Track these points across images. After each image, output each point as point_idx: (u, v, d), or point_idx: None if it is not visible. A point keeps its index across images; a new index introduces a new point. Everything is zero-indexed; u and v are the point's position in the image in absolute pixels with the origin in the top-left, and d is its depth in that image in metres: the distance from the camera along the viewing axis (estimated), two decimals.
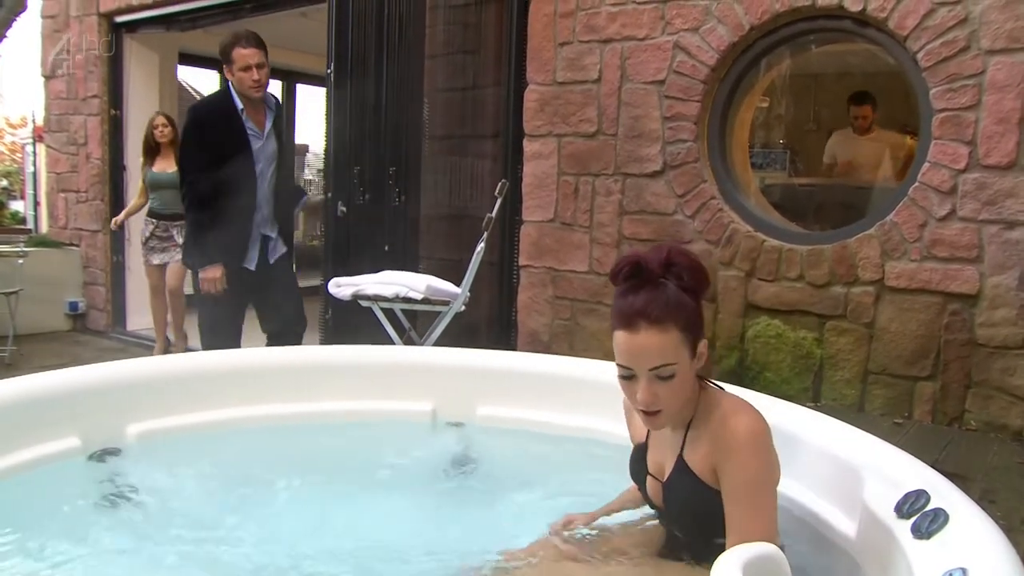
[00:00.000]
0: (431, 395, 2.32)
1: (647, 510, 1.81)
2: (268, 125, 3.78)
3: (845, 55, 6.02)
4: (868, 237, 3.33)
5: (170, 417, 2.17)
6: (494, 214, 3.40)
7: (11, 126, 23.77)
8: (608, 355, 3.90)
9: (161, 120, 5.64)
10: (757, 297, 3.58)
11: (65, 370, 2.09)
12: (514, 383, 2.30)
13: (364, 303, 3.19)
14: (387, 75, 3.49)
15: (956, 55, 3.10)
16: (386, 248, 3.56)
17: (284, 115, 4.12)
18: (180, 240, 5.22)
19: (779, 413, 1.86)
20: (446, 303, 3.25)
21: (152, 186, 5.56)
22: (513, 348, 4.23)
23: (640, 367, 1.49)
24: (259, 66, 3.62)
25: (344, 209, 3.60)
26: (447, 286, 3.30)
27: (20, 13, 10.51)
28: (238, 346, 3.68)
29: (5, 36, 10.63)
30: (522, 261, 4.18)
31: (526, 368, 2.35)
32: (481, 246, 3.46)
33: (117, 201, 6.71)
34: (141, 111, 6.77)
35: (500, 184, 3.57)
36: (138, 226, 5.95)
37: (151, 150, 5.62)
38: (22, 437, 1.92)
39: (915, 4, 3.16)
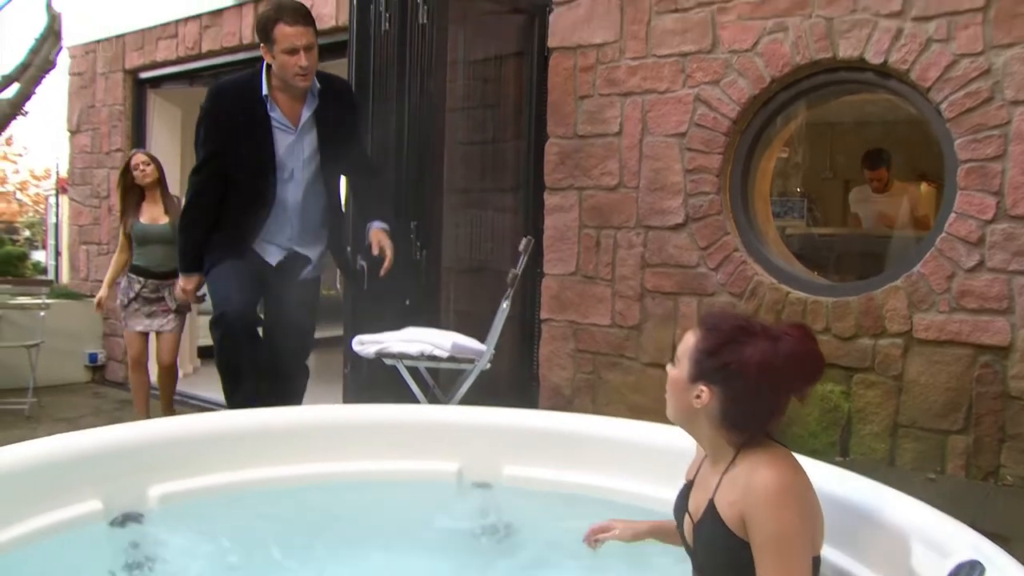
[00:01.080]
0: (457, 455, 2.27)
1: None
2: (305, 117, 3.17)
3: (862, 104, 6.04)
4: (895, 289, 3.28)
5: (193, 478, 2.13)
6: (519, 271, 3.37)
7: (35, 178, 24.16)
8: (632, 410, 3.86)
9: (141, 158, 4.90)
10: None
11: (88, 431, 2.07)
12: (542, 443, 2.26)
13: (389, 361, 3.16)
14: (408, 128, 3.50)
15: (980, 106, 3.09)
16: (407, 302, 3.54)
17: (347, 105, 3.35)
18: (173, 303, 4.70)
19: (813, 474, 1.81)
20: (471, 361, 3.20)
21: (140, 240, 4.82)
22: (535, 402, 4.19)
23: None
24: (307, 48, 3.00)
25: (364, 263, 3.58)
26: (472, 343, 3.25)
27: (48, 71, 10.76)
28: (248, 285, 3.19)
29: (33, 93, 10.88)
30: (543, 314, 4.15)
31: (554, 427, 2.30)
32: (506, 304, 3.43)
33: None
34: (163, 164, 6.84)
35: (526, 241, 3.56)
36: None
37: (130, 195, 4.90)
38: (43, 501, 1.89)
39: (937, 56, 3.16)
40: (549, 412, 2.60)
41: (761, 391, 1.53)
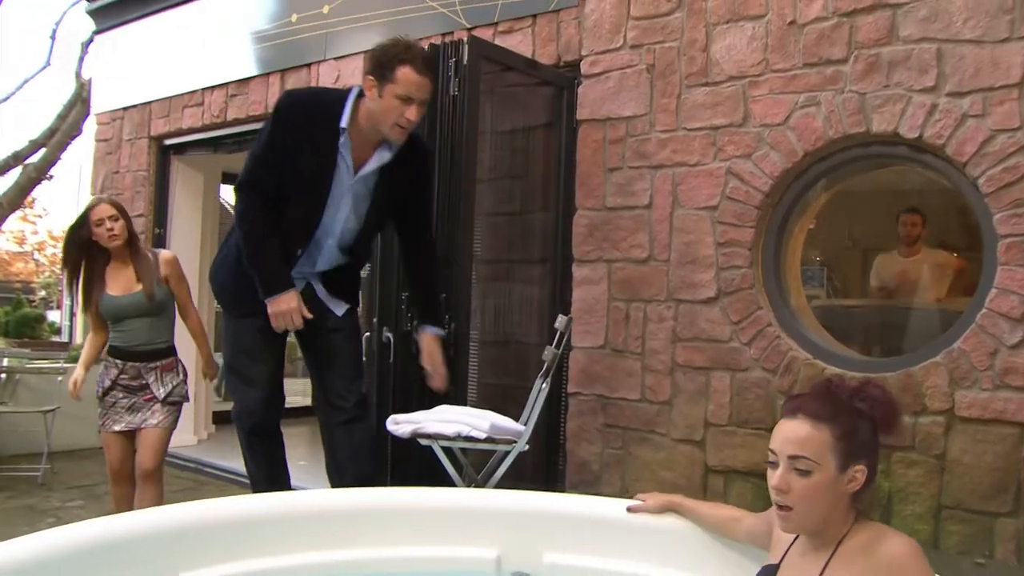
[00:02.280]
0: (495, 541, 2.19)
1: None
2: (370, 167, 2.93)
3: (880, 172, 6.04)
4: (935, 365, 3.21)
5: (216, 567, 2.05)
6: (559, 350, 3.31)
7: (52, 239, 24.41)
8: (661, 486, 3.76)
9: (107, 211, 3.59)
10: None
11: (117, 517, 2.01)
12: (585, 529, 2.18)
13: (424, 441, 3.09)
14: (438, 200, 3.48)
15: (1019, 181, 3.05)
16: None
17: (419, 170, 3.15)
18: (162, 391, 3.70)
19: None
20: (510, 442, 3.12)
21: (113, 317, 3.70)
22: (561, 477, 4.09)
23: (782, 452, 1.59)
24: (422, 104, 2.78)
25: (390, 335, 3.53)
26: (510, 424, 3.15)
27: (75, 137, 10.96)
28: (272, 385, 3.14)
29: (59, 158, 11.06)
30: (571, 388, 4.08)
31: (598, 513, 2.22)
32: (545, 384, 3.37)
33: None
34: (184, 229, 6.89)
35: (565, 320, 3.51)
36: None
37: (95, 260, 3.70)
38: None
39: (973, 131, 3.14)
40: (593, 497, 2.51)
41: (878, 443, 1.61)
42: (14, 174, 11.62)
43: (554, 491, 3.97)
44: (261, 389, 3.13)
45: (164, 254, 3.85)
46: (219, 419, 7.57)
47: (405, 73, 2.71)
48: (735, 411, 3.64)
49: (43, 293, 23.74)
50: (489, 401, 4.17)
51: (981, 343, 3.11)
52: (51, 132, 10.85)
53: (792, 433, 1.59)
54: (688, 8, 3.80)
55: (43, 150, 11.08)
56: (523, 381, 4.33)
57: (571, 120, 4.14)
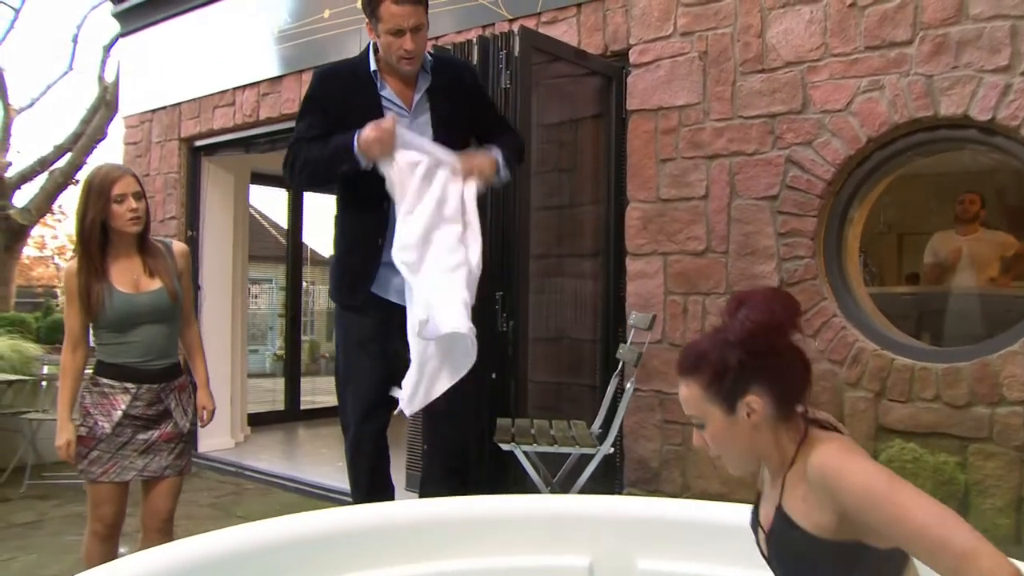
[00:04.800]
0: (587, 548, 2.12)
1: None
2: (417, 98, 2.91)
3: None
4: (1012, 354, 3.11)
5: None
6: (643, 350, 3.23)
7: (73, 243, 24.52)
8: (724, 483, 3.68)
9: (132, 184, 2.81)
10: (889, 419, 3.36)
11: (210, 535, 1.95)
12: (679, 533, 2.10)
13: (505, 447, 3.02)
14: (490, 195, 3.39)
15: None
16: (492, 375, 3.41)
17: (466, 85, 3.08)
18: (185, 421, 2.94)
19: None
20: (593, 447, 3.01)
21: (122, 322, 2.81)
22: (619, 475, 4.02)
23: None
24: (415, 30, 2.75)
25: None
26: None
27: (100, 140, 10.97)
28: (374, 393, 2.90)
29: (85, 162, 11.07)
30: (625, 383, 4.00)
31: (691, 516, 2.15)
32: (630, 384, 3.29)
33: None
34: (216, 231, 6.85)
35: (650, 318, 3.42)
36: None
37: (107, 246, 2.82)
38: None
39: None
40: (686, 500, 2.44)
41: (776, 351, 1.51)
42: (40, 180, 11.66)
43: (612, 490, 3.90)
44: (361, 398, 3.01)
45: (178, 245, 3.08)
46: (254, 421, 7.55)
47: (386, 8, 2.74)
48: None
49: (64, 298, 23.85)
50: (543, 399, 4.11)
51: None
52: (76, 137, 10.86)
53: (680, 397, 1.60)
54: None
55: (68, 155, 11.10)
56: (576, 378, 4.27)
57: (621, 111, 4.06)
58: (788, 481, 1.54)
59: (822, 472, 1.43)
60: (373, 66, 2.89)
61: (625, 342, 3.72)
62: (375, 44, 2.90)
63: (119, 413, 2.79)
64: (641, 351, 3.31)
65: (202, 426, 3.08)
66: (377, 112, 2.85)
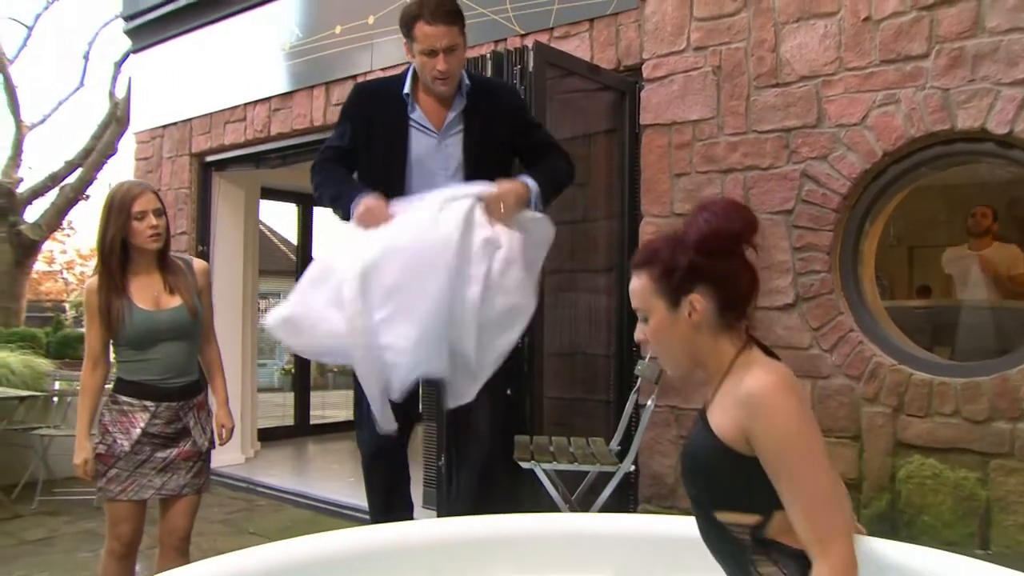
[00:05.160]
0: (612, 568, 2.10)
1: None
2: (449, 118, 2.87)
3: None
4: None
5: None
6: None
7: (81, 257, 24.58)
8: None
9: (153, 201, 2.80)
10: (908, 434, 3.33)
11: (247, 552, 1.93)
12: (705, 553, 2.07)
13: (525, 465, 2.99)
14: None
15: None
16: (508, 392, 3.38)
17: (505, 108, 3.01)
18: (203, 440, 2.92)
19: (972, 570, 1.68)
20: (613, 465, 2.98)
21: (142, 339, 2.80)
22: (634, 491, 3.99)
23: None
24: (448, 50, 2.74)
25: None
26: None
27: (110, 156, 11.02)
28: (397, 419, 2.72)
29: (95, 178, 11.13)
30: (643, 399, 3.97)
31: None
32: (651, 402, 3.27)
33: None
34: (227, 246, 6.86)
35: None
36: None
37: (127, 263, 2.80)
38: None
39: None
40: None
41: (726, 257, 1.56)
42: (51, 195, 11.71)
43: (627, 506, 3.87)
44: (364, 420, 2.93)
45: (198, 262, 3.08)
46: (263, 436, 7.53)
47: (420, 28, 2.74)
48: (817, 419, 3.51)
49: (73, 312, 23.90)
50: (558, 415, 4.08)
51: None
52: (86, 152, 10.91)
53: (630, 290, 1.65)
54: (755, 8, 3.70)
55: (79, 170, 11.15)
56: (591, 394, 4.25)
57: (634, 125, 4.05)
58: (721, 389, 1.60)
59: (751, 399, 1.48)
60: (407, 88, 2.88)
61: (643, 358, 3.69)
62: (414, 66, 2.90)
63: (138, 431, 2.77)
64: (661, 368, 3.28)
65: (220, 444, 3.06)
66: (403, 134, 2.85)
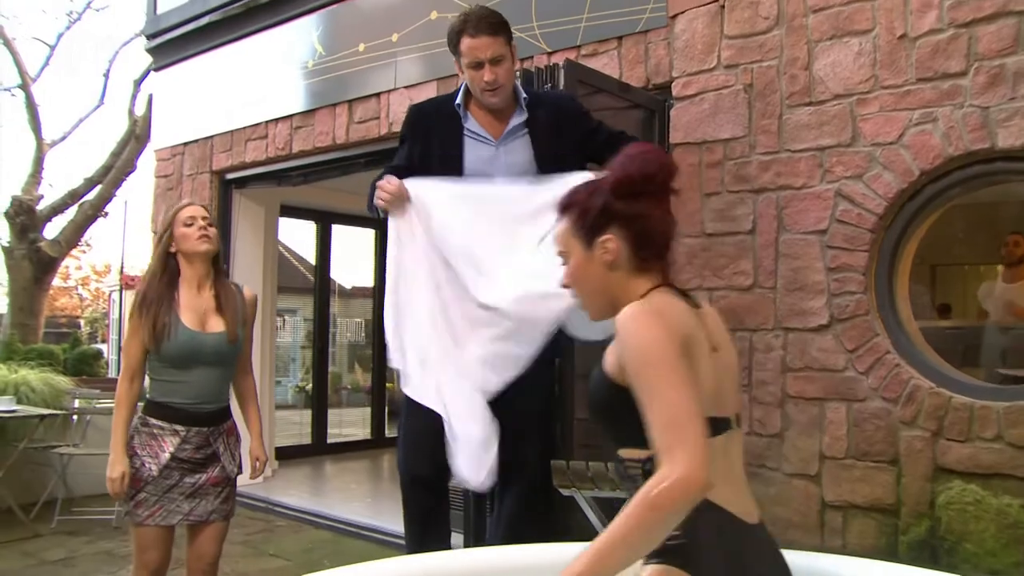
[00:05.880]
0: None
1: None
2: (509, 127, 2.87)
3: None
4: None
5: None
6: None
7: (96, 273, 24.69)
8: (773, 523, 3.53)
9: (200, 210, 2.88)
10: (948, 459, 3.25)
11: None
12: None
13: (566, 492, 2.93)
14: None
15: None
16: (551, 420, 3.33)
17: (565, 114, 3.04)
18: (232, 466, 2.86)
19: None
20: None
21: (182, 359, 2.76)
22: None
23: None
24: (494, 61, 2.76)
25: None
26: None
27: (129, 173, 11.06)
28: (431, 430, 2.66)
29: (114, 195, 11.16)
30: None
31: None
32: None
33: None
34: (247, 264, 6.84)
35: None
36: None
37: (165, 276, 2.80)
38: None
39: None
40: None
41: (639, 200, 1.62)
42: (71, 212, 11.75)
43: None
44: (418, 431, 2.85)
45: (249, 292, 3.04)
46: (280, 455, 7.49)
47: (464, 42, 2.78)
48: (853, 443, 3.46)
49: (87, 329, 23.99)
50: (583, 437, 4.02)
51: None
52: (106, 170, 10.95)
53: (554, 234, 1.75)
54: (787, 25, 3.66)
55: (98, 187, 11.18)
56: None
57: (664, 144, 4.00)
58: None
59: (618, 326, 1.54)
60: (459, 100, 2.92)
61: None
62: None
63: (167, 455, 2.72)
64: None
65: (252, 478, 3.01)
66: (458, 144, 2.88)
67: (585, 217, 1.65)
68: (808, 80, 3.61)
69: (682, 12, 3.99)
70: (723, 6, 3.86)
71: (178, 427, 2.75)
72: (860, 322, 3.46)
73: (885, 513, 3.39)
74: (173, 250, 2.81)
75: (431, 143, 2.91)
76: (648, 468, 1.56)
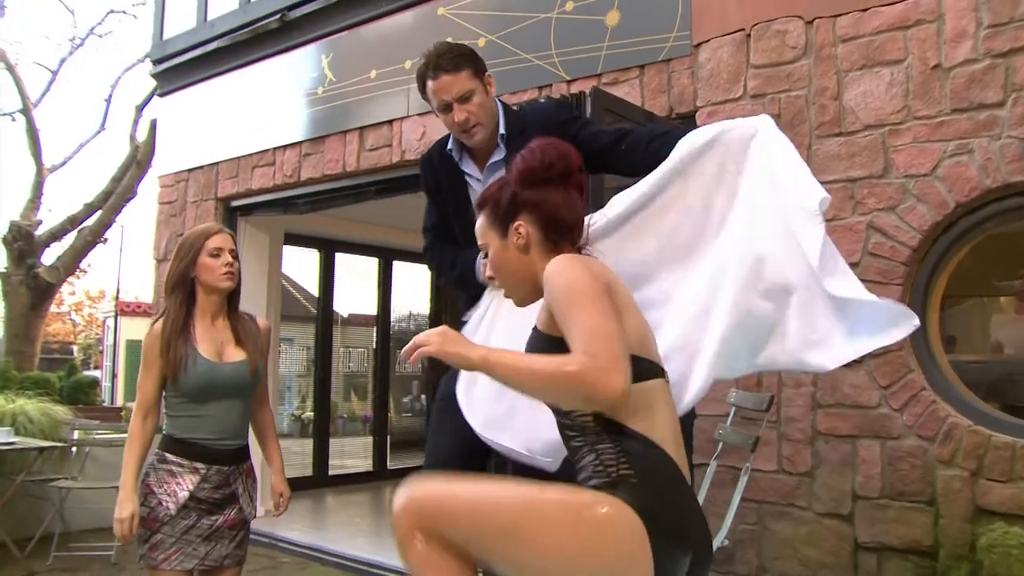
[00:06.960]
0: None
1: None
2: (492, 160, 2.63)
3: None
4: None
5: None
6: (760, 432, 3.04)
7: (90, 299, 24.51)
8: (804, 565, 3.41)
9: (228, 240, 2.71)
10: (989, 500, 3.15)
11: None
12: None
13: None
14: None
15: None
16: None
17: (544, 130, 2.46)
18: (250, 508, 2.70)
19: None
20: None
21: (201, 392, 2.61)
22: None
23: None
24: (462, 99, 2.52)
25: None
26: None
27: (129, 199, 10.96)
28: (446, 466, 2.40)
29: (114, 221, 11.06)
30: (698, 459, 3.80)
31: None
32: (745, 473, 3.11)
33: None
34: (251, 291, 6.70)
35: (767, 398, 3.25)
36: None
37: (182, 305, 2.63)
38: None
39: None
40: None
41: (543, 186, 1.77)
42: (70, 238, 11.63)
43: None
44: (435, 457, 2.67)
45: (262, 321, 2.88)
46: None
47: (428, 86, 2.57)
48: (887, 482, 3.35)
49: (81, 355, 23.77)
50: None
51: None
52: (106, 195, 10.85)
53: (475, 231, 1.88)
54: (816, 55, 3.61)
55: (98, 213, 11.08)
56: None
57: None
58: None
59: (548, 270, 1.65)
60: (450, 144, 2.72)
61: (725, 423, 3.52)
62: None
63: (185, 494, 2.55)
64: (758, 434, 3.12)
65: (277, 515, 2.87)
66: (462, 187, 2.70)
67: (497, 209, 1.81)
68: (838, 110, 3.54)
69: (706, 41, 3.93)
70: (749, 35, 3.80)
71: (198, 464, 2.59)
72: (894, 357, 3.37)
73: (922, 555, 3.28)
74: (192, 275, 2.64)
75: (443, 190, 2.75)
76: (601, 417, 1.60)
